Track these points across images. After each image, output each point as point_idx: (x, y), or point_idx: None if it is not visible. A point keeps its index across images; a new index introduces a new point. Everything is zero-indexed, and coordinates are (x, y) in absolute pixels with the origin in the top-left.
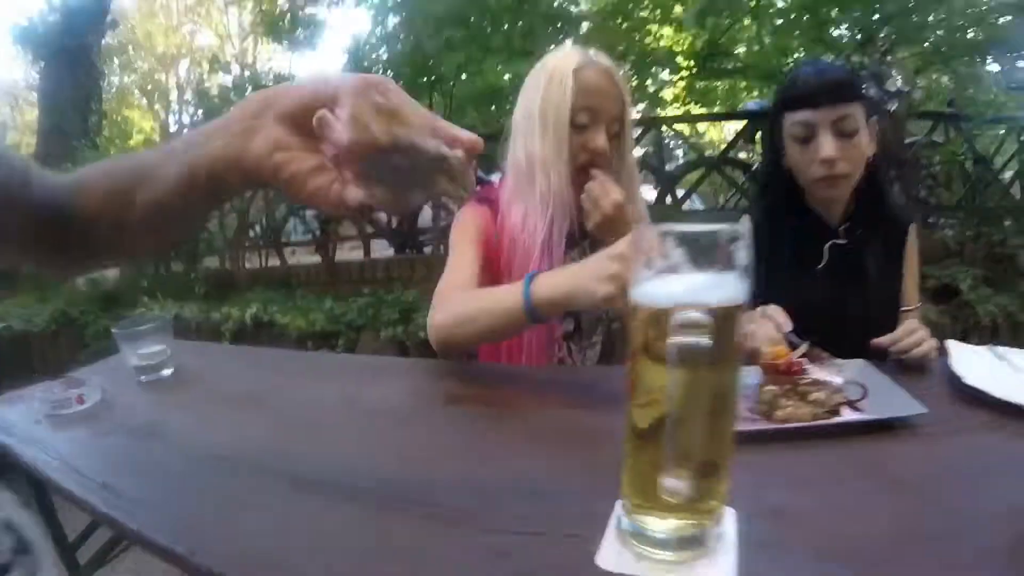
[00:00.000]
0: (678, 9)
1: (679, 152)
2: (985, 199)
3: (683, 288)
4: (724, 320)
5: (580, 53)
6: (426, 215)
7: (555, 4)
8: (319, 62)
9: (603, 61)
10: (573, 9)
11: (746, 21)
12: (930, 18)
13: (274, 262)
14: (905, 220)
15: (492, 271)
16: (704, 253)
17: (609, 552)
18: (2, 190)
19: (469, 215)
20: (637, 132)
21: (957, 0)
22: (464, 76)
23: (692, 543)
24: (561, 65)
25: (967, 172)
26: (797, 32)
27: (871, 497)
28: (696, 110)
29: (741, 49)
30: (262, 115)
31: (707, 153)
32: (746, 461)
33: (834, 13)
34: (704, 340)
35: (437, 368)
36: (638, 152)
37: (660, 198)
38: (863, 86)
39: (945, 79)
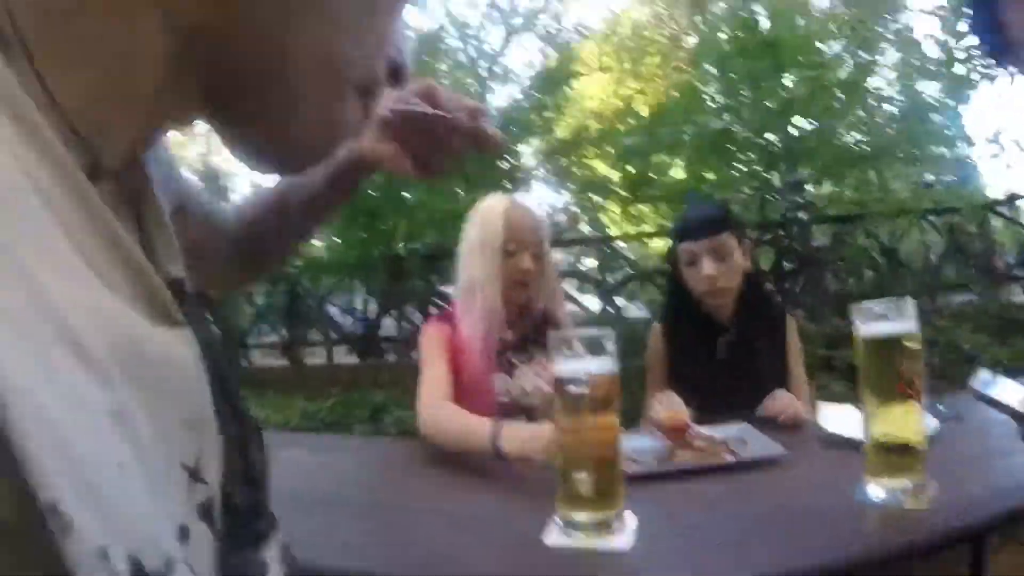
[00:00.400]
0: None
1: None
2: (894, 284)
3: (575, 366)
4: (600, 381)
5: (507, 198)
6: (387, 323)
7: (506, 151)
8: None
9: (525, 203)
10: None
11: (656, 158)
12: (821, 140)
13: (242, 363)
14: (782, 315)
15: (456, 375)
16: (591, 347)
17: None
18: (217, 228)
19: (434, 331)
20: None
21: (847, 118)
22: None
23: (601, 526)
24: (493, 208)
25: (877, 262)
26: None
27: (739, 511)
28: (632, 230)
29: (675, 173)
30: None
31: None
32: (650, 493)
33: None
34: (583, 390)
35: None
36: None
37: (604, 307)
38: (733, 219)
39: (847, 190)
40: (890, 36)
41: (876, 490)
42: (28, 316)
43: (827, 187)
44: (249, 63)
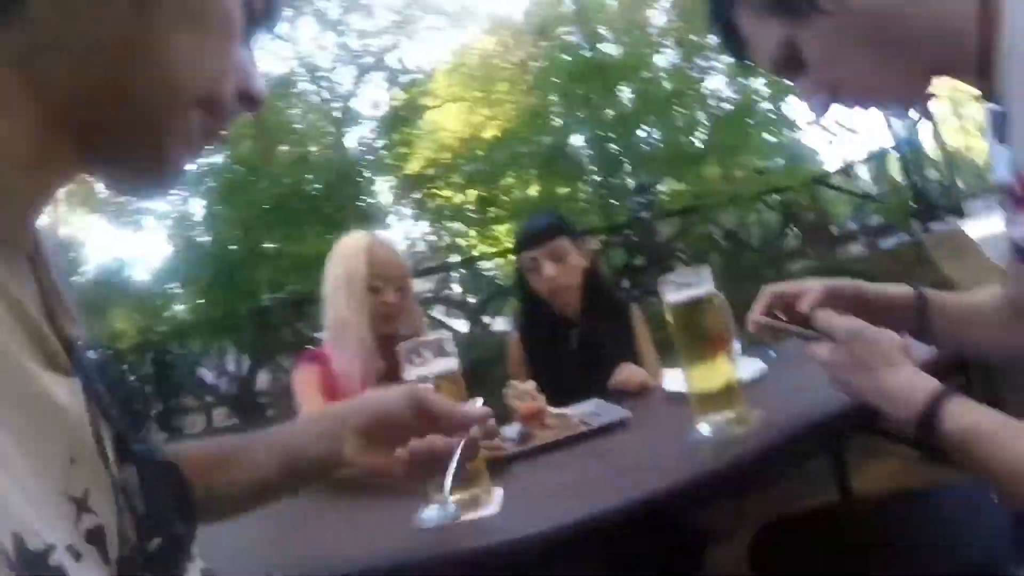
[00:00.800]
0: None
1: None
2: (739, 263)
3: (422, 370)
4: (446, 378)
5: (367, 235)
6: (262, 378)
7: (360, 190)
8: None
9: (386, 239)
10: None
11: (505, 179)
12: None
13: None
14: (625, 304)
15: None
16: (436, 351)
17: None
18: None
19: (305, 371)
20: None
21: (681, 123)
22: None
23: (470, 502)
24: (355, 245)
25: (721, 246)
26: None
27: (590, 469)
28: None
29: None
30: (343, 425)
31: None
32: (514, 471)
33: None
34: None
35: None
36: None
37: (472, 327)
38: (565, 227)
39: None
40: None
41: (704, 427)
42: None
43: (674, 185)
44: (95, 92)
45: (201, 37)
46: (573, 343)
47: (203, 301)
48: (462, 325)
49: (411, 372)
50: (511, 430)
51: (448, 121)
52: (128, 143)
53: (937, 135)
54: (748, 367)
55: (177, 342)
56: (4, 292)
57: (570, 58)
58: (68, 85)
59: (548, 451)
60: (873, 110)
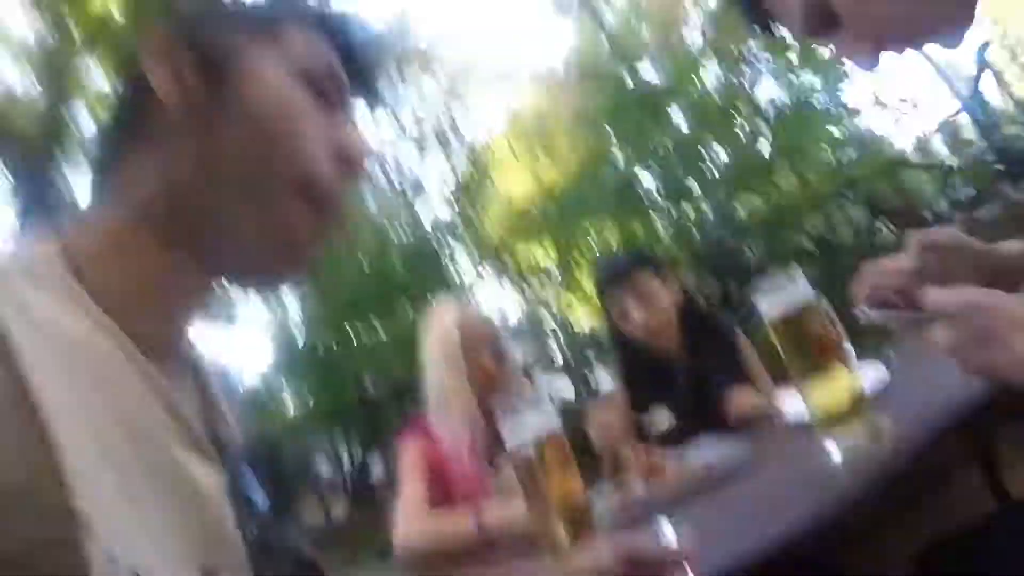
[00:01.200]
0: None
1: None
2: (833, 267)
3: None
4: (549, 440)
5: (454, 306)
6: (377, 467)
7: (442, 264)
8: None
9: (472, 307)
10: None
11: (583, 228)
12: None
13: None
14: (731, 329)
15: (447, 487)
16: (533, 411)
17: None
18: None
19: (410, 447)
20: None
21: (742, 134)
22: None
23: None
24: (443, 316)
25: (814, 255)
26: None
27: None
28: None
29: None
30: None
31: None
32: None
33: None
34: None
35: None
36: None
37: (577, 391)
38: (643, 259)
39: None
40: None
41: (834, 450)
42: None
43: (750, 201)
44: (212, 203)
45: (262, 128)
46: (680, 383)
47: (310, 397)
48: (567, 388)
49: (512, 438)
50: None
51: (516, 183)
52: (243, 241)
53: (1003, 86)
54: (869, 374)
55: (290, 440)
56: (162, 393)
57: (613, 94)
58: (176, 216)
59: (673, 505)
60: (932, 71)
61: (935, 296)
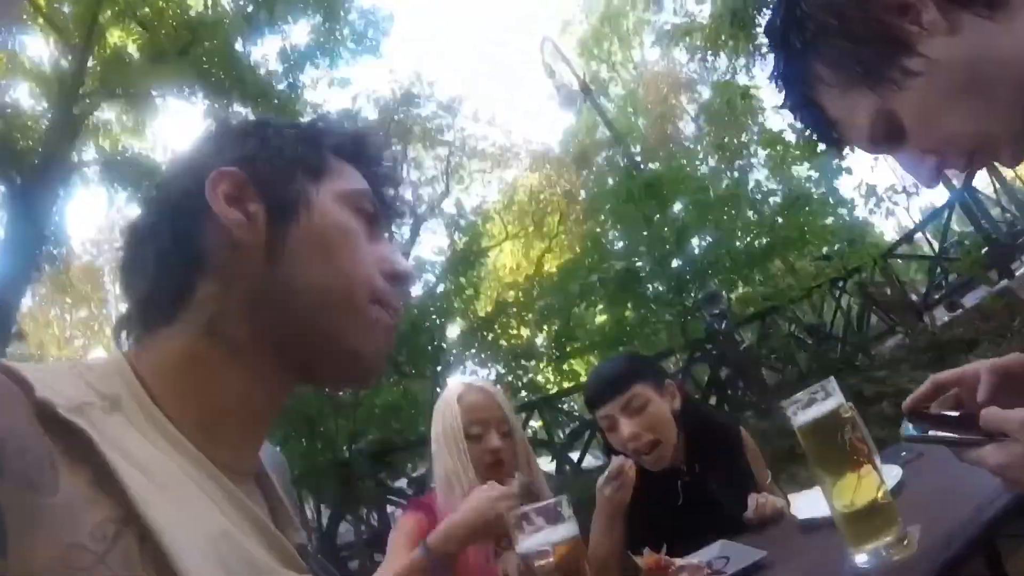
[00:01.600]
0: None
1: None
2: (826, 355)
3: (537, 539)
4: (563, 548)
5: (461, 384)
6: (344, 529)
7: (431, 336)
8: None
9: (479, 383)
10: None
11: (575, 310)
12: (721, 251)
13: None
14: (734, 431)
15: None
16: (549, 516)
17: None
18: None
19: (410, 521)
20: (522, 416)
21: (738, 227)
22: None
23: None
24: (448, 397)
25: (806, 343)
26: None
27: None
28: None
29: (599, 320)
30: None
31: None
32: None
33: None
34: (549, 560)
35: None
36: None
37: (559, 466)
38: (640, 370)
39: (760, 287)
40: (755, 139)
41: (861, 557)
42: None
43: (741, 289)
44: (285, 324)
45: (324, 254)
46: (680, 497)
47: (281, 453)
48: (547, 464)
49: (524, 542)
50: None
51: (507, 259)
52: (319, 354)
53: (992, 170)
54: (884, 475)
55: None
56: (248, 511)
57: (619, 181)
58: (250, 337)
59: None
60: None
61: (995, 415)
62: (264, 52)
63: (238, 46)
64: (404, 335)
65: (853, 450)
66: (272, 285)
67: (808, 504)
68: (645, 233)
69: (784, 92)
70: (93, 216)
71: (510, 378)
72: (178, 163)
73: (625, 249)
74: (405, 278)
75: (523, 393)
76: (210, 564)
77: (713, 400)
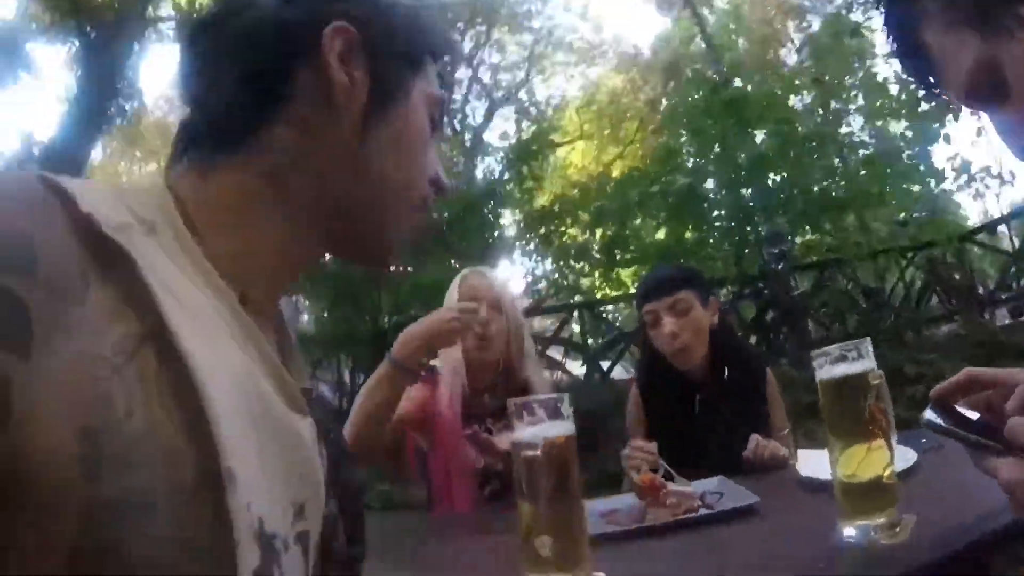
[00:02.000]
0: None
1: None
2: (877, 323)
3: (532, 431)
4: (556, 444)
5: (466, 269)
6: None
7: (483, 221)
8: None
9: (481, 268)
10: (502, 220)
11: (634, 221)
12: (795, 190)
13: None
14: (760, 367)
15: (436, 437)
16: (549, 411)
17: None
18: None
19: (414, 392)
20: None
21: (818, 169)
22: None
23: None
24: (455, 280)
25: (860, 305)
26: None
27: (708, 560)
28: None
29: (657, 235)
30: None
31: (627, 329)
32: (622, 552)
33: (705, 204)
34: (538, 453)
35: None
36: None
37: (588, 372)
38: (692, 279)
39: (826, 236)
40: (856, 83)
41: (850, 531)
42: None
43: (808, 235)
44: (329, 199)
45: (404, 151)
46: (696, 407)
47: (327, 316)
48: (579, 368)
49: (519, 431)
50: (623, 502)
51: (577, 158)
52: (359, 234)
53: None
54: (897, 456)
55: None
56: (263, 352)
57: (703, 94)
58: (307, 195)
59: (662, 533)
60: None
61: (1021, 430)
62: None
63: None
64: (457, 215)
65: (871, 419)
66: (351, 159)
67: (814, 463)
68: (718, 150)
69: (892, 35)
70: (166, 73)
71: (556, 276)
72: None
73: (695, 167)
74: (445, 190)
75: (568, 294)
76: (232, 398)
77: (753, 339)
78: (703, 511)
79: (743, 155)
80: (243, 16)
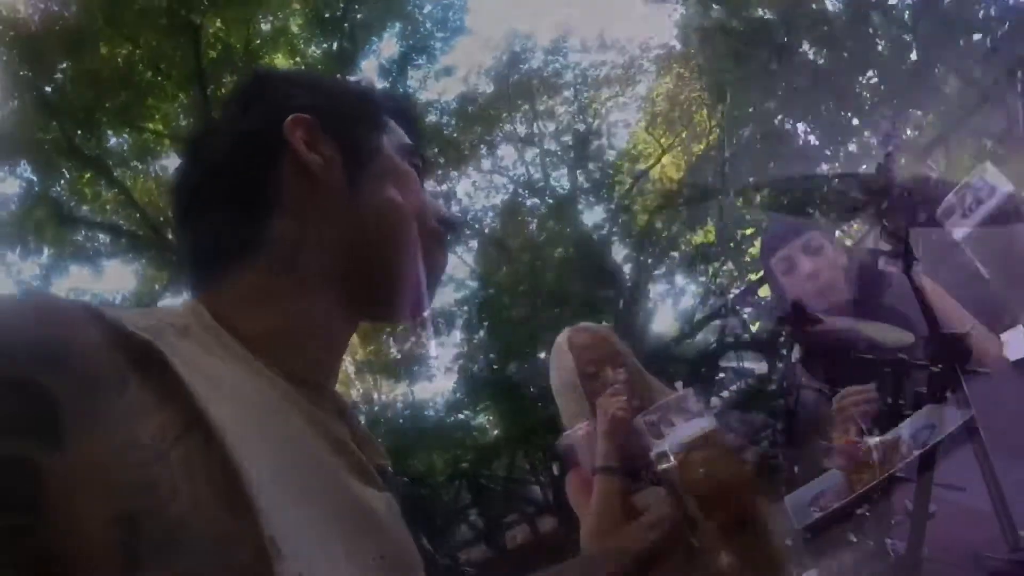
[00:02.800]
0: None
1: None
2: None
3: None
4: (692, 447)
5: (569, 329)
6: None
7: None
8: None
9: (586, 325)
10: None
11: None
12: None
13: None
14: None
15: None
16: (678, 411)
17: None
18: None
19: (575, 481)
20: None
21: None
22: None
23: None
24: (560, 343)
25: None
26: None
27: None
28: None
29: None
30: None
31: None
32: None
33: None
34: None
35: None
36: None
37: (771, 364)
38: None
39: None
40: None
41: None
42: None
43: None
44: (351, 249)
45: (391, 185)
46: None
47: (497, 422)
48: (760, 367)
49: (662, 445)
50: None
51: (672, 172)
52: (375, 283)
53: None
54: None
55: (485, 466)
56: (328, 431)
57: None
58: (317, 263)
59: (872, 499)
60: None
61: None
62: (364, 77)
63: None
64: (577, 269)
65: None
66: (346, 212)
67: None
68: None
69: None
70: None
71: (694, 287)
72: (236, 112)
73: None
74: (452, 224)
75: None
76: (276, 470)
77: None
78: (915, 453)
79: None
80: (212, 143)
